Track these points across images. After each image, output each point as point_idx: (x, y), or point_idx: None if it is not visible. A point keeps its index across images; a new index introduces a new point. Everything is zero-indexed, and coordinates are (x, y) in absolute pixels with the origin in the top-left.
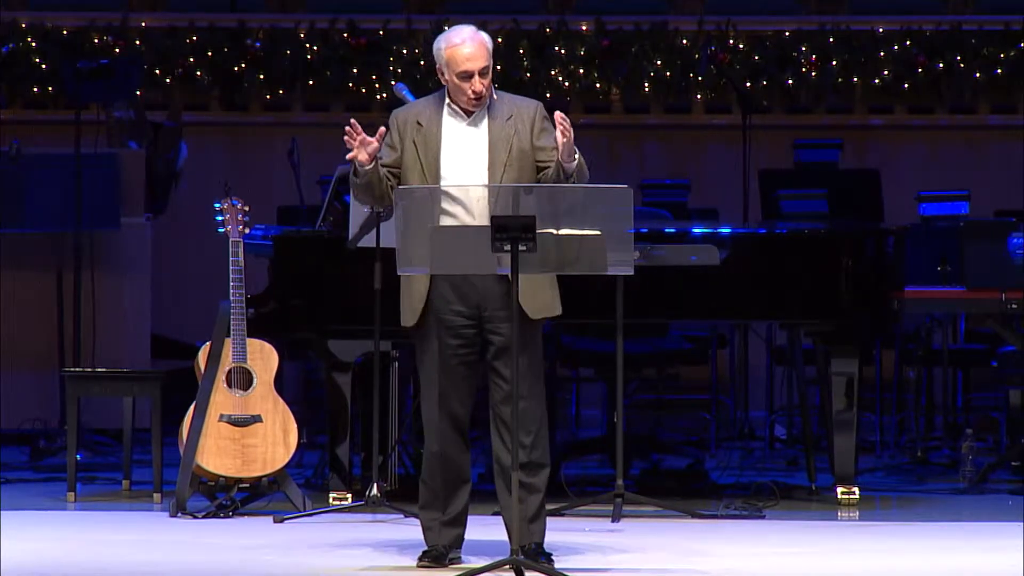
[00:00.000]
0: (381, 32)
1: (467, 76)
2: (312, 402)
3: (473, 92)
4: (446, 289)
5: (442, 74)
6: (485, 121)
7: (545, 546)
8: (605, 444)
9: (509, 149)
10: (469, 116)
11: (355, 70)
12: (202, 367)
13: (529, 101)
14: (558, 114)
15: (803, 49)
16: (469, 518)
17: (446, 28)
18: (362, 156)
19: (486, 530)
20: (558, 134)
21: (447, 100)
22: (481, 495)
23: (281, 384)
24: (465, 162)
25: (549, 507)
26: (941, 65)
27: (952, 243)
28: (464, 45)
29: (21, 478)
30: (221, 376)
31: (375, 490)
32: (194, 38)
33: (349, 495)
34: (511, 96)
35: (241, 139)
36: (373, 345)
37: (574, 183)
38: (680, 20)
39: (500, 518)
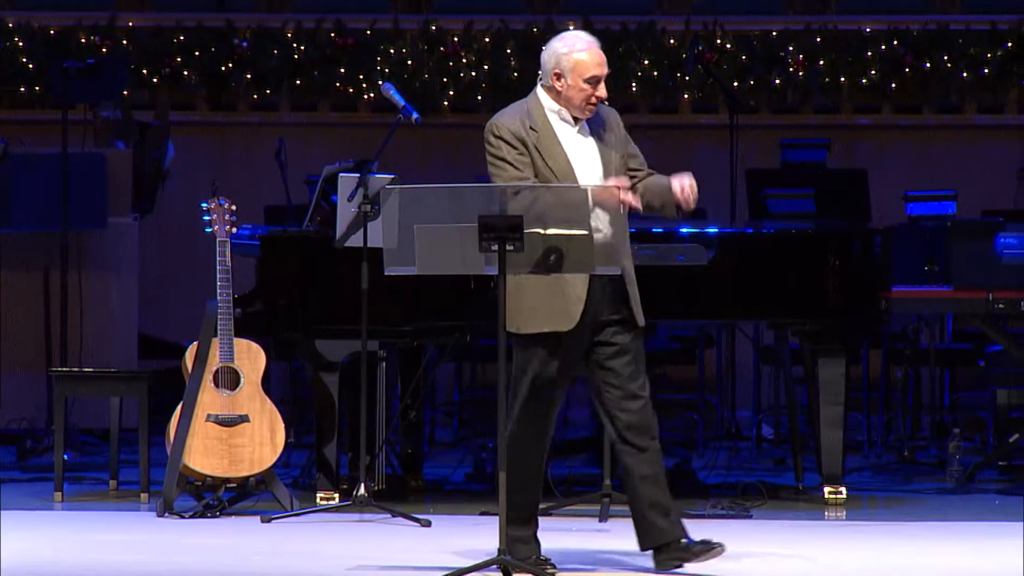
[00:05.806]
0: (368, 32)
1: (596, 81)
2: (299, 402)
3: (596, 97)
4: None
5: (558, 78)
6: (587, 126)
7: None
8: (592, 444)
9: (613, 153)
10: (576, 122)
11: (342, 70)
12: (189, 367)
13: (607, 108)
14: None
15: (790, 49)
16: (461, 519)
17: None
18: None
19: (483, 530)
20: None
21: (551, 107)
22: (474, 495)
23: (268, 384)
24: (586, 168)
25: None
26: (928, 65)
27: (939, 243)
28: (590, 51)
29: (8, 478)
30: (208, 376)
31: (362, 490)
32: (181, 38)
33: (336, 495)
34: None
35: (228, 139)
36: (360, 345)
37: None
38: (667, 20)
39: (484, 518)
